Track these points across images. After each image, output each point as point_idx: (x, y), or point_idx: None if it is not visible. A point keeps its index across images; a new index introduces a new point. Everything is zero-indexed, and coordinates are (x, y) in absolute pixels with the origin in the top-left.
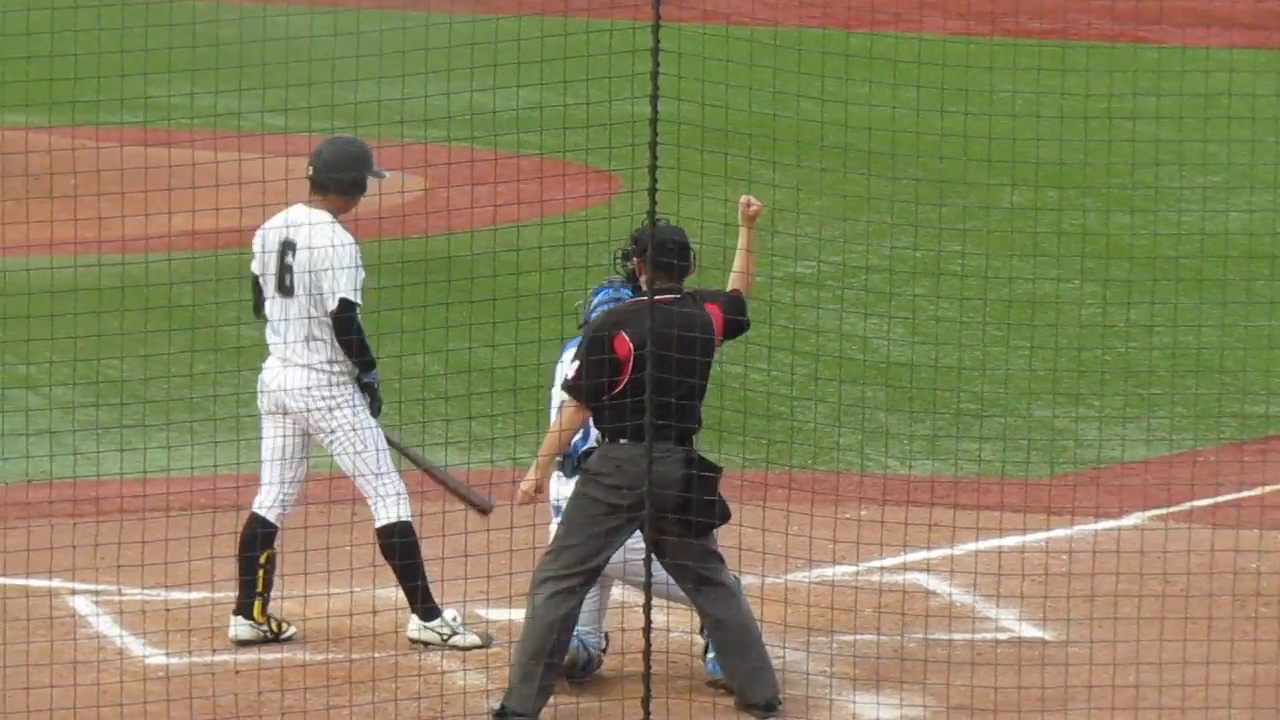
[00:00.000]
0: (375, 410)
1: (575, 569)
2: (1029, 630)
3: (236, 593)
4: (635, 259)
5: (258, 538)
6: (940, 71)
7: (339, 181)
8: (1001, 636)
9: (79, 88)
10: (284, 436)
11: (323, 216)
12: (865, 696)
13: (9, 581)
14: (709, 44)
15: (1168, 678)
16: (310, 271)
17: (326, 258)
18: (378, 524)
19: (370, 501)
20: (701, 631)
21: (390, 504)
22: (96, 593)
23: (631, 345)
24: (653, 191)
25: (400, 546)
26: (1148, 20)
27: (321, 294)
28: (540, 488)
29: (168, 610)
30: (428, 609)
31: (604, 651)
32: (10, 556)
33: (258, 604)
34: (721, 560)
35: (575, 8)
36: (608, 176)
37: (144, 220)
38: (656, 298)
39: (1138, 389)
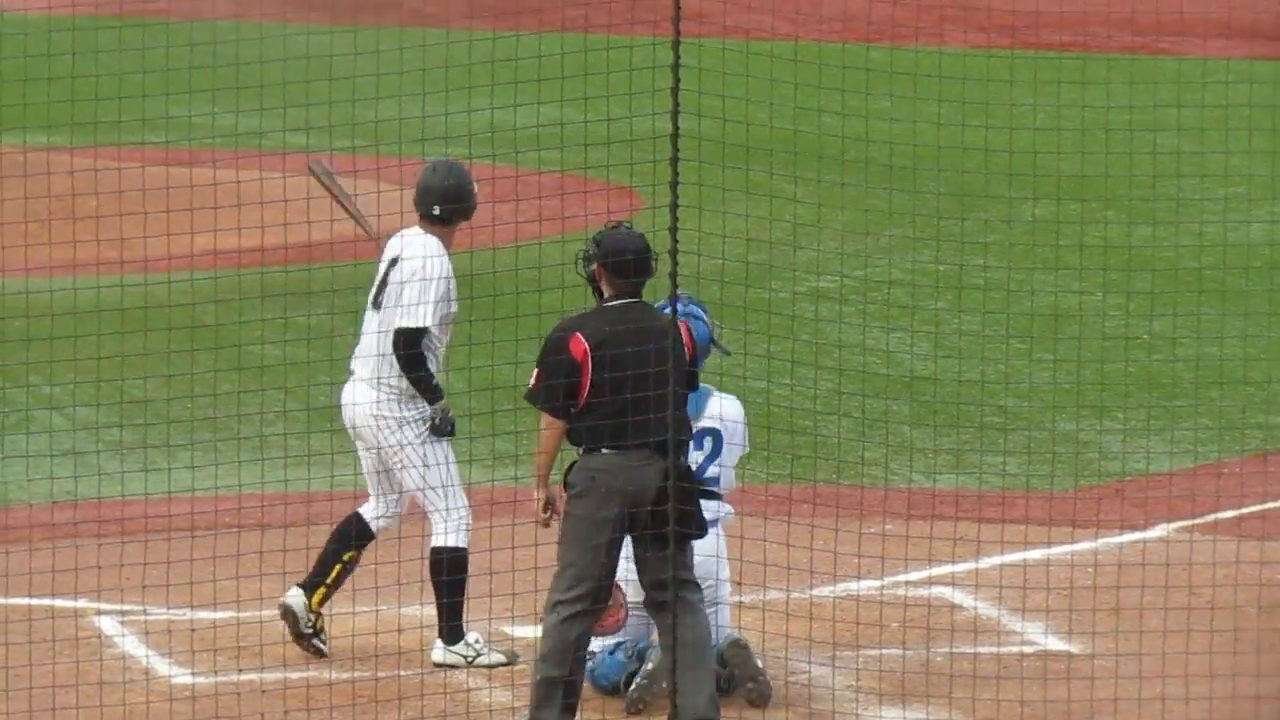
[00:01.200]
0: (443, 433)
1: (579, 589)
2: (1055, 643)
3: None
4: (596, 263)
5: (350, 535)
6: (961, 85)
7: (461, 212)
8: (1027, 650)
9: (101, 108)
10: (365, 452)
11: (422, 232)
12: (891, 711)
13: (35, 602)
14: (729, 59)
15: (1194, 690)
16: (403, 283)
17: (415, 271)
18: (434, 543)
19: (432, 518)
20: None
21: (453, 527)
22: (122, 613)
23: (587, 345)
24: (674, 207)
25: (449, 570)
26: (1169, 32)
27: (403, 308)
28: (550, 505)
29: (193, 630)
30: (452, 629)
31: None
32: (36, 577)
33: (320, 591)
34: (691, 575)
35: (596, 24)
36: (629, 193)
37: (166, 240)
38: (614, 304)
39: (1162, 401)
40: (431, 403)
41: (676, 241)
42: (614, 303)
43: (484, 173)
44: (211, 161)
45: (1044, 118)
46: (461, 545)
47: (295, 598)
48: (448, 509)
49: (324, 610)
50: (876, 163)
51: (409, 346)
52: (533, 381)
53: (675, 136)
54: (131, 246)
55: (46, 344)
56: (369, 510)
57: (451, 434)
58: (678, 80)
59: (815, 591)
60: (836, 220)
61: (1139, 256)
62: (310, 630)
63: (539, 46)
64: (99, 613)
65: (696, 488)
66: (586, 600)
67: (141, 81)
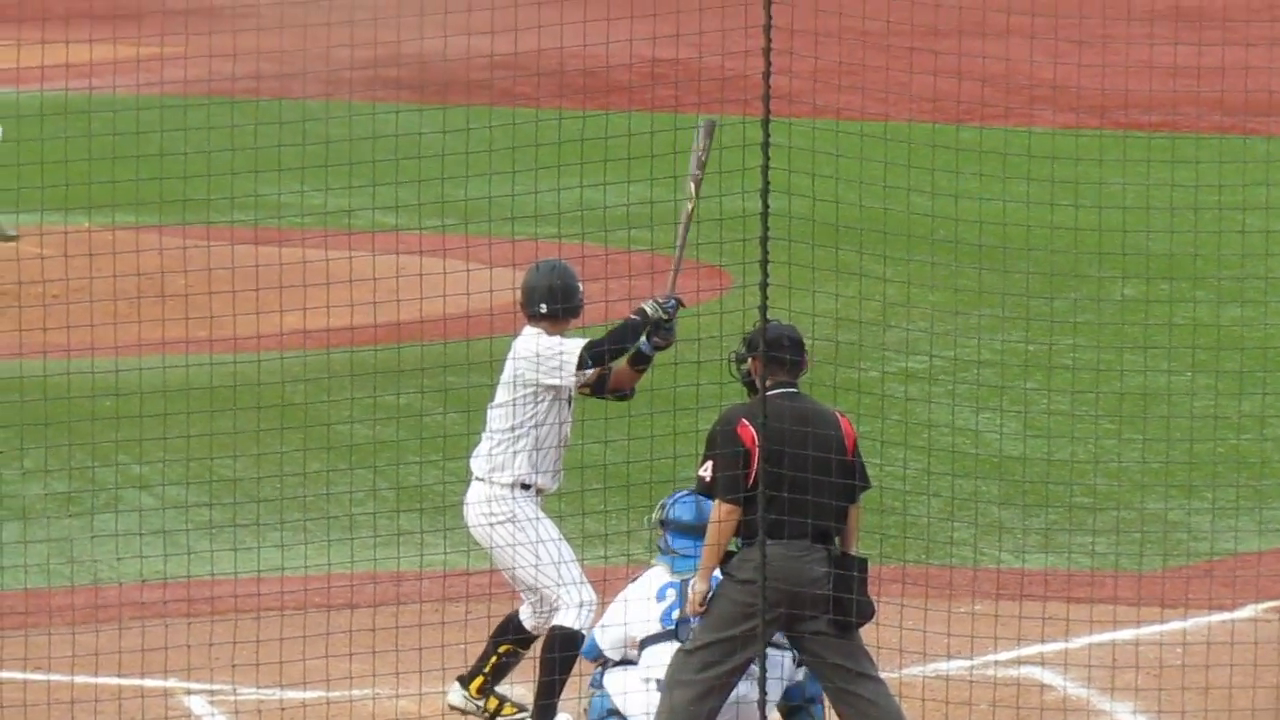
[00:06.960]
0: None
1: (710, 671)
2: None
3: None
4: (751, 359)
5: (507, 629)
6: (1050, 165)
7: (567, 310)
8: None
9: (189, 187)
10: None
11: (532, 330)
12: None
13: (125, 682)
14: (819, 138)
15: None
16: (503, 384)
17: (525, 365)
18: (553, 621)
19: (559, 610)
20: None
21: (573, 612)
22: (212, 692)
23: (754, 432)
24: (764, 286)
25: (558, 648)
26: (1258, 112)
27: (503, 405)
28: (704, 600)
29: (283, 709)
30: (545, 709)
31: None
32: (126, 656)
33: (478, 680)
34: (869, 657)
35: (685, 103)
36: (718, 272)
37: (256, 319)
38: (774, 392)
39: (1250, 481)
40: (638, 331)
41: (767, 320)
42: (774, 391)
43: (573, 252)
44: (300, 240)
45: (1133, 197)
46: (578, 629)
47: (454, 692)
48: (569, 603)
49: (507, 695)
50: (966, 242)
51: (589, 360)
52: (707, 474)
53: (765, 215)
54: (220, 325)
55: (136, 423)
56: (525, 614)
57: (672, 316)
58: (767, 159)
59: (905, 671)
60: (926, 300)
61: (1228, 336)
62: (487, 715)
63: (629, 125)
64: (189, 692)
65: (862, 576)
66: (715, 683)
67: (230, 160)
